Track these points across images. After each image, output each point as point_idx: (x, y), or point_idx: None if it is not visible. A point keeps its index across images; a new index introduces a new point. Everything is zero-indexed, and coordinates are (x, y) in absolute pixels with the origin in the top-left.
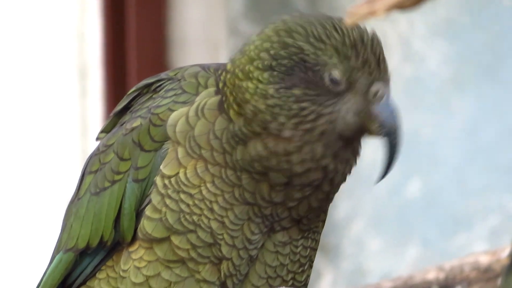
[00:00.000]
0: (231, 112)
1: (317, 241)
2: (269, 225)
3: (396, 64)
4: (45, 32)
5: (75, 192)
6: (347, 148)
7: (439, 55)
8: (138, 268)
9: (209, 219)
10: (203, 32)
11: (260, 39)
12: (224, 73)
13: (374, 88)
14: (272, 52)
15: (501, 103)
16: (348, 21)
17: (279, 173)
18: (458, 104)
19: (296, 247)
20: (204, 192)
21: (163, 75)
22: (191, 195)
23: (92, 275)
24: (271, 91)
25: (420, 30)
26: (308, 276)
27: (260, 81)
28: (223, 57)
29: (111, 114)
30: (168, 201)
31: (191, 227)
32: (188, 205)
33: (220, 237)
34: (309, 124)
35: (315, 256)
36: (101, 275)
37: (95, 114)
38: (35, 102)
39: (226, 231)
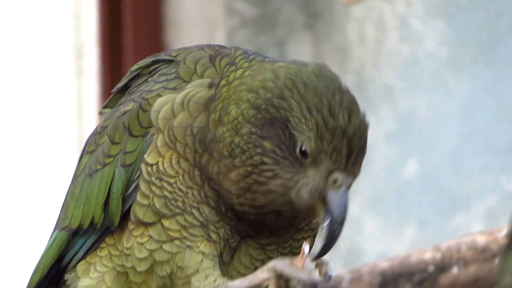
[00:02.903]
0: (212, 117)
1: (313, 229)
2: (241, 232)
3: (393, 45)
4: (41, 12)
5: (74, 171)
6: (291, 212)
7: (436, 35)
8: (142, 244)
9: (191, 206)
10: (200, 12)
11: (269, 73)
12: (231, 76)
13: (334, 176)
14: (268, 95)
15: (498, 83)
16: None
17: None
18: (455, 85)
19: (285, 242)
20: (178, 183)
21: (163, 54)
22: (170, 184)
23: (88, 255)
24: (244, 130)
25: (417, 10)
26: None
27: (243, 115)
28: (219, 37)
29: (113, 90)
30: (153, 188)
31: (177, 210)
32: (170, 192)
33: (206, 222)
34: (262, 178)
35: (313, 241)
36: (102, 252)
37: (91, 94)
38: (31, 82)
39: (207, 221)
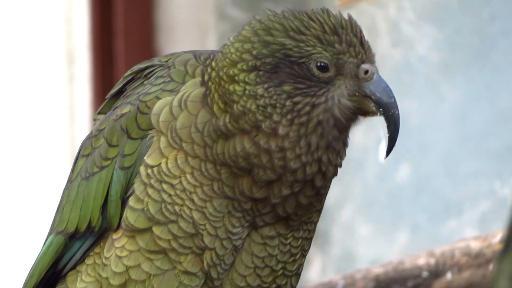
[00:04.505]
0: (215, 107)
1: (310, 231)
2: (251, 220)
3: (385, 50)
4: (32, 17)
5: (69, 174)
6: (340, 137)
7: (428, 40)
8: (120, 257)
9: (190, 209)
10: (191, 17)
11: (239, 41)
12: (209, 68)
13: (362, 68)
14: (254, 52)
15: (490, 88)
16: (340, 3)
17: (268, 170)
18: (448, 90)
19: (286, 238)
20: (184, 183)
21: (156, 60)
22: (172, 185)
23: (82, 260)
24: (260, 91)
25: (409, 15)
26: (301, 265)
27: (247, 83)
28: (211, 42)
29: (108, 96)
30: (150, 191)
31: (172, 217)
32: (170, 195)
33: (202, 227)
34: (304, 117)
35: (309, 245)
36: (89, 260)
37: (82, 99)
38: (23, 87)
39: (208, 221)
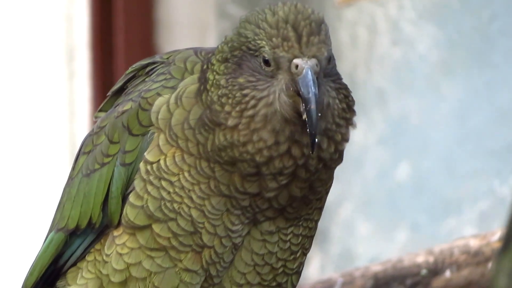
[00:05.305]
0: (204, 100)
1: (311, 229)
2: (251, 217)
3: (385, 48)
4: (32, 14)
5: (70, 172)
6: (303, 131)
7: (429, 39)
8: (120, 255)
9: (189, 207)
10: (191, 15)
11: (233, 32)
12: (205, 64)
13: (294, 63)
14: (229, 44)
15: (490, 87)
16: (340, 1)
17: (245, 164)
18: (448, 88)
19: (286, 235)
20: (182, 180)
21: (157, 57)
22: (171, 183)
23: (82, 257)
24: (222, 81)
25: (409, 14)
26: (301, 263)
27: (217, 73)
28: (211, 40)
29: (109, 93)
30: (150, 188)
31: (171, 215)
32: (169, 192)
33: (201, 225)
34: (251, 111)
35: (310, 243)
36: (90, 257)
37: (82, 96)
38: (23, 84)
39: (207, 219)
